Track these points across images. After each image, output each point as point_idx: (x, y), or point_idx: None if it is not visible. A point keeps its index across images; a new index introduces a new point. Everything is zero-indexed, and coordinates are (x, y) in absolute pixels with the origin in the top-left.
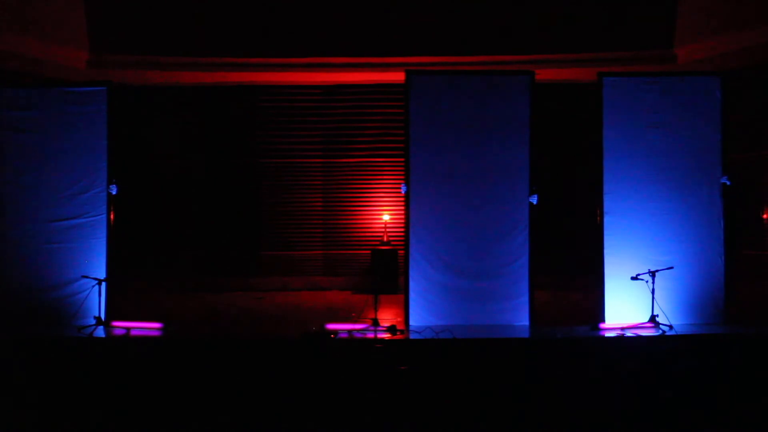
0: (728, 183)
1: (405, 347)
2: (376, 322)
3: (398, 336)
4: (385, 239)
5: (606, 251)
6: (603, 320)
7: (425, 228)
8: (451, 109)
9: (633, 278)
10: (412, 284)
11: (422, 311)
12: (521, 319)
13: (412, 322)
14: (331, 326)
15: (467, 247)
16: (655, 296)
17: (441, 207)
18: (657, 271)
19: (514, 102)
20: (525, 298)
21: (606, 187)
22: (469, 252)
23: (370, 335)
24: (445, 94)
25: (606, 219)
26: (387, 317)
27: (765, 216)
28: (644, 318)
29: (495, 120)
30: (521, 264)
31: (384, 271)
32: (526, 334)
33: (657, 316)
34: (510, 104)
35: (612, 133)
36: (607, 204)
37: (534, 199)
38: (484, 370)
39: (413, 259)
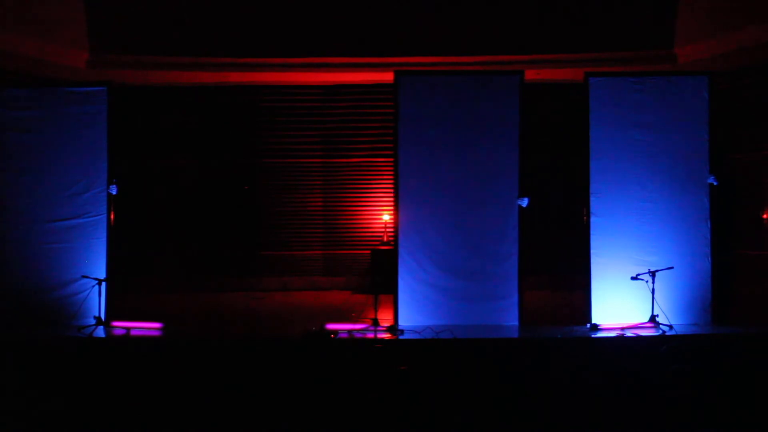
0: (715, 183)
1: (397, 347)
2: (376, 322)
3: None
4: (385, 239)
5: (593, 252)
6: (590, 320)
7: (414, 228)
8: (440, 109)
9: (633, 278)
10: (401, 283)
11: (412, 311)
12: (511, 320)
13: (401, 322)
14: (331, 326)
15: (457, 248)
16: (654, 296)
17: (430, 207)
18: (657, 271)
19: (504, 102)
20: (515, 299)
21: (592, 188)
22: (458, 252)
23: (370, 335)
24: (434, 95)
25: (592, 219)
26: (387, 317)
27: (765, 216)
28: (638, 318)
29: (484, 120)
30: (511, 264)
31: (384, 271)
32: (515, 334)
33: (657, 316)
34: (499, 105)
35: (599, 133)
36: (594, 204)
37: (524, 202)
38: (473, 371)
39: (402, 258)
